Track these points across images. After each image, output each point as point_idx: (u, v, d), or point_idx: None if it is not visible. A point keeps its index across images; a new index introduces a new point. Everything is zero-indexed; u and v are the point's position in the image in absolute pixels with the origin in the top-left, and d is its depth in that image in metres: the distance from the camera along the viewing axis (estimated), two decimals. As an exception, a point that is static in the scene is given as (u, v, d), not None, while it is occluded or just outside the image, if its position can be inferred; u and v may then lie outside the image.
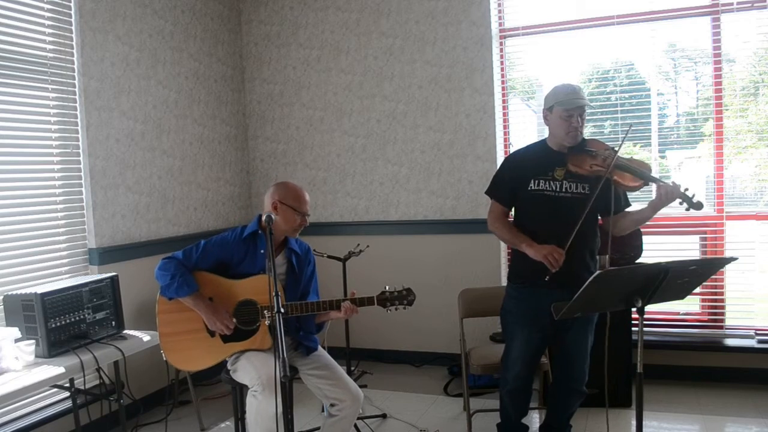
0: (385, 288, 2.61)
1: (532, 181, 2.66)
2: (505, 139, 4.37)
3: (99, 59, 3.56)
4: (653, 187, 2.61)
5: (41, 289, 2.68)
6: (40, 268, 3.25)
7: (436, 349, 4.47)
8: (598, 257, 2.81)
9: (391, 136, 4.53)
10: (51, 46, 3.33)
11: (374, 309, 2.61)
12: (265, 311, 2.56)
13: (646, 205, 2.59)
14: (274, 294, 2.09)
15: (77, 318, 2.78)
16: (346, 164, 4.68)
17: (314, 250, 3.76)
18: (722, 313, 3.91)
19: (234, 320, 2.59)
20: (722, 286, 3.90)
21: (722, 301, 3.92)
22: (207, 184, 4.48)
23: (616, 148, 2.60)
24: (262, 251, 2.64)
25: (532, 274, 2.64)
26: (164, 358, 2.63)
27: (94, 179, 3.51)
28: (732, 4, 3.74)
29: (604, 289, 2.06)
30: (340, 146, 4.69)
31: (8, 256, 3.09)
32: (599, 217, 2.75)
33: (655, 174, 3.94)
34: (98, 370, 3.06)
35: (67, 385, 2.99)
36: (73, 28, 3.43)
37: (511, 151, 4.24)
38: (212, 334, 2.62)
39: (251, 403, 2.44)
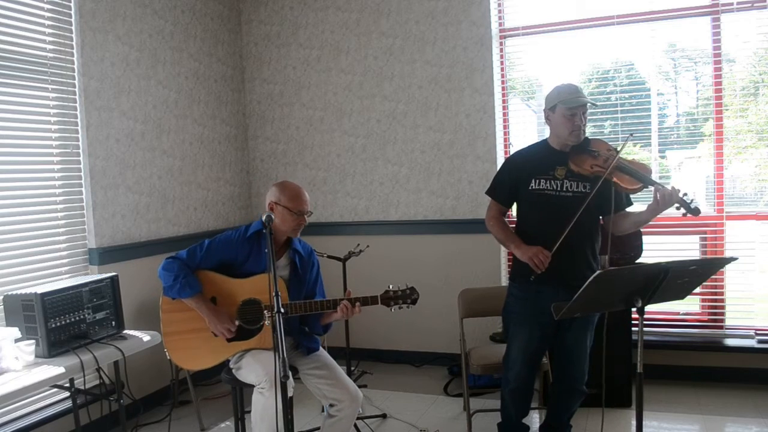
0: (389, 287, 2.60)
1: (533, 181, 2.66)
2: (505, 139, 4.37)
3: (99, 59, 3.56)
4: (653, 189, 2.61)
5: (41, 289, 2.67)
6: (40, 268, 3.25)
7: (436, 349, 4.47)
8: (599, 257, 2.81)
9: (391, 136, 4.53)
10: (51, 46, 3.33)
11: (375, 309, 2.61)
12: (266, 312, 2.56)
13: (645, 208, 2.59)
14: (274, 294, 2.08)
15: (77, 318, 2.78)
16: (346, 164, 4.68)
17: (314, 250, 3.77)
18: (722, 313, 3.91)
19: (237, 323, 2.59)
20: (722, 286, 3.90)
21: (722, 301, 3.91)
22: (207, 184, 4.48)
23: (618, 149, 2.60)
24: (266, 250, 2.64)
25: (532, 273, 2.64)
26: (168, 357, 2.64)
27: (94, 179, 3.51)
28: (732, 4, 3.74)
29: (604, 289, 2.06)
30: (340, 146, 4.69)
31: (8, 256, 3.09)
32: (600, 217, 2.75)
33: (655, 174, 3.97)
34: (98, 370, 3.06)
35: (67, 385, 2.99)
36: (73, 28, 3.43)
37: (511, 151, 4.27)
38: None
39: (258, 400, 2.44)
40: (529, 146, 2.88)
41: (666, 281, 2.01)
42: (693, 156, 4.09)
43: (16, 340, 2.54)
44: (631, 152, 4.10)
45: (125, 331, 3.03)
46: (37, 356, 2.61)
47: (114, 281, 3.02)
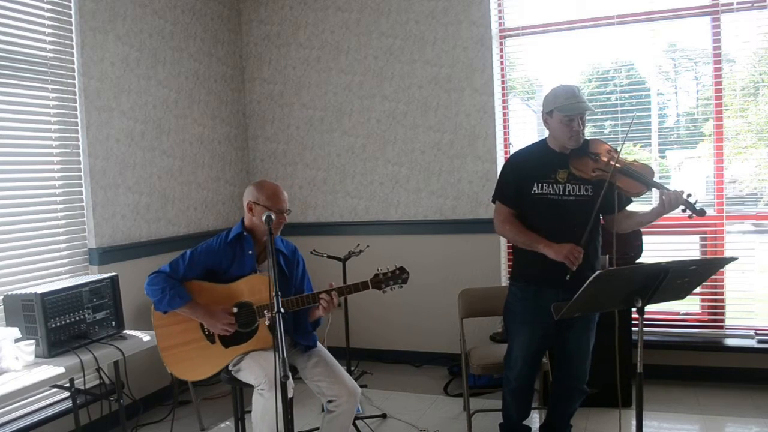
0: (378, 269, 2.58)
1: (535, 185, 2.64)
2: (505, 139, 4.37)
3: (99, 59, 3.56)
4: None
5: (41, 289, 2.67)
6: (40, 268, 3.25)
7: (436, 349, 4.47)
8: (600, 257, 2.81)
9: (391, 136, 4.53)
10: (51, 46, 3.33)
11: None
12: (265, 311, 2.56)
13: (649, 209, 2.59)
14: (274, 294, 2.08)
15: (77, 318, 2.78)
16: (346, 164, 4.68)
17: (314, 251, 3.78)
18: (722, 313, 3.91)
19: (235, 309, 2.57)
20: (722, 286, 3.90)
21: (722, 301, 3.92)
22: (207, 184, 4.48)
23: (618, 149, 2.60)
24: (250, 252, 2.63)
25: (535, 272, 2.64)
26: (169, 371, 2.62)
27: (94, 179, 3.51)
28: (732, 4, 3.74)
29: (604, 289, 2.06)
30: (340, 146, 4.69)
31: (8, 256, 3.09)
32: (601, 217, 2.75)
33: (656, 174, 3.96)
34: (98, 370, 3.06)
35: (67, 385, 2.99)
36: (73, 28, 3.43)
37: (511, 151, 4.27)
38: (212, 340, 2.61)
39: (258, 401, 2.44)
40: (528, 147, 2.85)
41: (666, 281, 2.02)
42: (693, 156, 4.09)
43: (16, 340, 2.55)
44: (631, 152, 4.10)
45: (125, 331, 3.03)
46: (37, 356, 2.61)
47: (114, 281, 3.02)
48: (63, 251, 3.39)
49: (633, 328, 3.51)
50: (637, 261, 3.66)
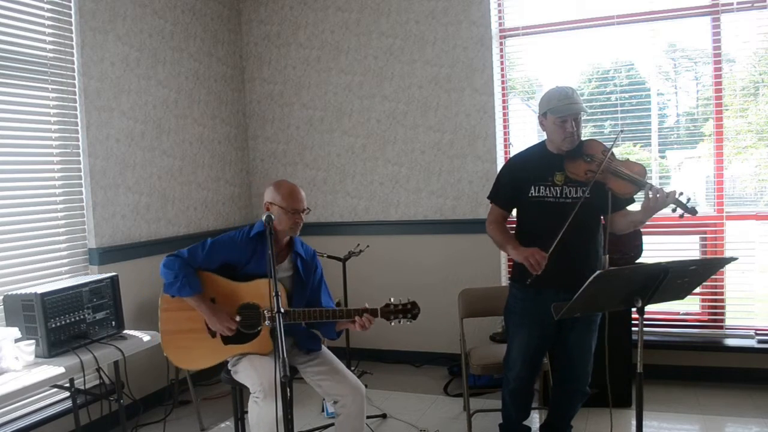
0: (390, 300, 2.58)
1: (533, 188, 2.65)
2: (505, 139, 4.37)
3: (99, 59, 3.56)
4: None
5: (41, 289, 2.68)
6: (40, 268, 3.25)
7: (436, 349, 4.47)
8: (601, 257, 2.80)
9: (391, 136, 4.53)
10: (51, 46, 3.33)
11: (377, 319, 2.59)
12: (266, 312, 2.55)
13: (639, 208, 2.59)
14: (274, 294, 2.08)
15: (77, 318, 2.78)
16: (346, 164, 4.68)
17: (317, 253, 3.77)
18: (722, 313, 3.91)
19: (238, 318, 2.58)
20: (722, 286, 3.90)
21: (722, 301, 3.91)
22: (207, 184, 4.48)
23: (612, 150, 2.60)
24: (269, 251, 2.63)
25: (541, 274, 2.63)
26: (164, 355, 2.64)
27: (94, 179, 3.51)
28: (732, 4, 3.74)
29: (604, 289, 2.06)
30: (340, 146, 4.69)
31: (8, 256, 3.09)
32: (601, 217, 2.74)
33: (655, 174, 3.97)
34: (98, 370, 3.06)
35: (67, 385, 2.99)
36: (73, 28, 3.43)
37: (511, 152, 4.28)
38: (213, 334, 2.62)
39: (253, 408, 2.44)
40: (527, 149, 2.85)
41: (666, 281, 2.01)
42: (693, 156, 4.09)
43: (16, 340, 2.55)
44: (631, 152, 4.10)
45: (125, 331, 3.03)
46: (37, 356, 2.61)
47: (114, 281, 3.02)
48: (63, 251, 3.39)
49: (633, 328, 3.51)
50: (637, 261, 3.66)
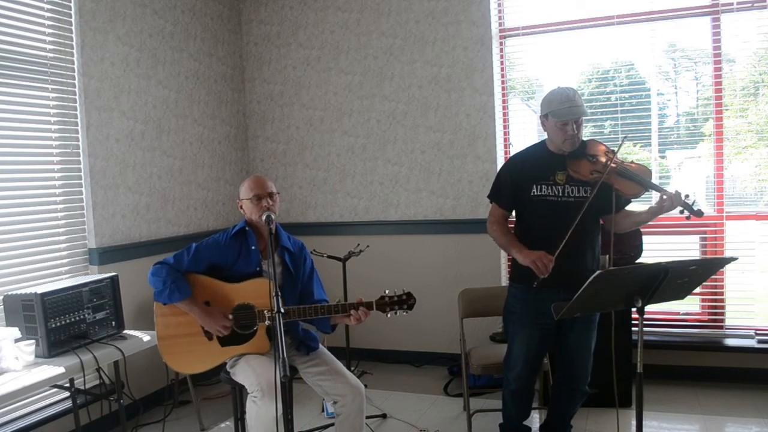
0: (385, 293, 2.58)
1: (535, 187, 2.65)
2: (505, 139, 4.37)
3: (99, 59, 3.56)
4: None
5: (41, 289, 2.68)
6: (40, 268, 3.25)
7: (436, 349, 4.47)
8: (599, 257, 2.80)
9: (391, 136, 4.53)
10: (51, 46, 3.33)
11: (373, 312, 2.59)
12: (266, 312, 2.55)
13: (646, 208, 2.59)
14: (274, 294, 2.08)
15: (77, 318, 2.78)
16: (346, 164, 4.68)
17: (314, 251, 3.77)
18: (722, 313, 3.91)
19: (231, 317, 2.58)
20: (722, 286, 3.90)
21: (722, 301, 3.91)
22: (207, 184, 4.48)
23: (615, 151, 2.60)
24: (253, 247, 2.63)
25: (532, 275, 2.64)
26: (164, 361, 2.64)
27: (94, 179, 3.51)
28: (732, 4, 3.74)
29: (604, 289, 2.06)
30: (340, 146, 4.69)
31: (8, 256, 3.09)
32: (600, 218, 2.75)
33: (655, 174, 3.97)
34: (98, 370, 3.06)
35: (67, 385, 2.99)
36: (73, 28, 3.43)
37: (511, 152, 4.28)
38: (210, 337, 2.62)
39: (251, 408, 2.43)
40: (527, 148, 2.85)
41: (666, 281, 2.01)
42: (693, 156, 4.09)
43: (16, 340, 2.55)
44: (631, 152, 4.10)
45: (125, 331, 3.03)
46: (37, 356, 2.61)
47: (114, 281, 3.02)
48: (63, 251, 3.39)
49: (633, 328, 3.51)
50: (637, 261, 3.66)
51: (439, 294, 4.29)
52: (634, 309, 2.12)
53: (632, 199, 2.67)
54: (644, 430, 2.22)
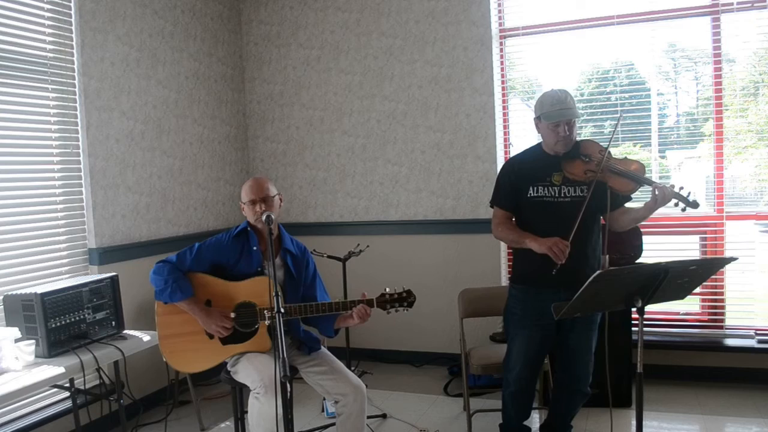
0: (385, 290, 2.59)
1: (531, 188, 2.67)
2: (505, 139, 4.37)
3: (99, 59, 3.56)
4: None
5: (41, 289, 2.68)
6: (40, 268, 3.25)
7: (436, 349, 4.47)
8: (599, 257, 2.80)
9: (391, 136, 4.53)
10: (51, 46, 3.33)
11: (374, 309, 2.60)
12: (266, 312, 2.55)
13: (642, 204, 2.60)
14: (274, 294, 2.08)
15: (77, 318, 2.78)
16: (346, 164, 4.68)
17: (314, 251, 3.78)
18: (722, 313, 3.91)
19: (232, 314, 2.58)
20: (722, 286, 3.90)
21: (722, 301, 3.91)
22: (207, 184, 4.48)
23: (608, 148, 2.61)
24: (255, 248, 2.64)
25: (535, 274, 2.65)
26: (164, 360, 2.64)
27: (94, 179, 3.51)
28: (732, 4, 3.74)
29: (604, 289, 2.06)
30: (340, 146, 4.69)
31: (8, 256, 3.09)
32: (600, 217, 2.75)
33: (654, 174, 3.97)
34: (98, 370, 3.06)
35: (67, 385, 2.99)
36: (73, 28, 3.43)
37: (511, 152, 4.28)
38: (211, 336, 2.62)
39: (253, 404, 2.43)
40: (524, 151, 2.87)
41: (666, 281, 2.01)
42: (693, 156, 4.09)
43: (16, 340, 2.55)
44: (631, 152, 4.10)
45: (125, 331, 3.03)
46: (37, 356, 2.61)
47: (114, 281, 3.02)
48: (63, 251, 3.39)
49: (633, 328, 3.51)
50: (637, 261, 3.66)
51: (439, 294, 4.29)
52: (634, 309, 2.12)
53: (627, 196, 2.67)
54: (644, 430, 2.22)
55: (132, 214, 3.78)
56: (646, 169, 2.69)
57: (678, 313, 4.02)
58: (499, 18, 4.30)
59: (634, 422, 2.24)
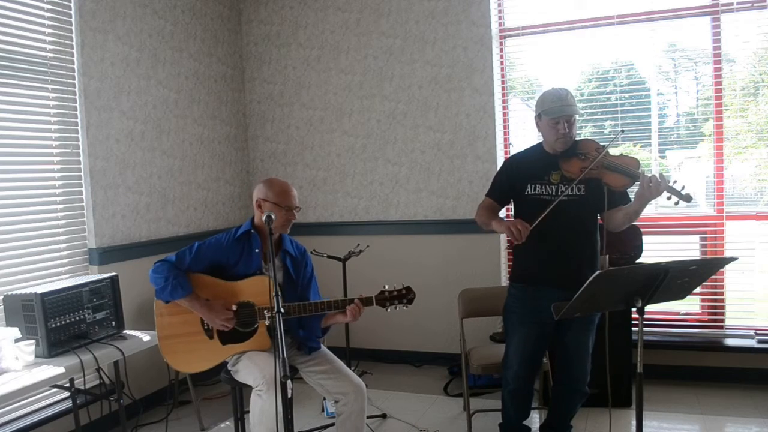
0: (384, 287, 2.59)
1: (529, 186, 2.69)
2: (505, 139, 4.38)
3: (99, 59, 3.56)
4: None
5: (41, 289, 2.67)
6: (40, 268, 3.25)
7: (436, 349, 4.47)
8: (599, 257, 2.80)
9: (391, 136, 4.53)
10: (51, 46, 3.33)
11: (374, 308, 2.60)
12: (265, 311, 2.55)
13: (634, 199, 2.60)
14: (274, 294, 2.08)
15: (77, 318, 2.78)
16: (346, 164, 4.68)
17: (314, 251, 3.78)
18: (722, 313, 3.91)
19: (234, 307, 2.57)
20: (722, 286, 3.90)
21: (722, 301, 3.91)
22: (207, 184, 4.48)
23: (605, 146, 2.62)
24: (257, 250, 2.63)
25: (534, 273, 2.66)
26: (165, 361, 2.64)
27: (94, 179, 3.51)
28: (732, 4, 3.74)
29: (604, 289, 2.06)
30: (340, 146, 4.69)
31: (8, 256, 3.09)
32: (598, 216, 2.75)
33: (654, 174, 3.96)
34: (98, 370, 3.06)
35: (67, 385, 2.99)
36: (73, 28, 3.43)
37: (511, 152, 4.28)
38: (210, 335, 2.62)
39: (256, 402, 2.43)
40: (525, 150, 2.89)
41: (666, 281, 2.01)
42: (693, 156, 4.09)
43: (16, 340, 2.55)
44: (631, 152, 4.10)
45: (125, 331, 3.03)
46: (37, 356, 2.61)
47: (114, 281, 3.02)
48: (63, 251, 3.39)
49: (633, 328, 3.51)
50: (637, 261, 3.66)
51: (439, 294, 4.29)
52: (634, 309, 2.12)
53: (624, 193, 2.67)
54: (644, 430, 2.22)
55: (132, 214, 3.78)
56: (646, 169, 2.70)
57: (678, 313, 4.02)
58: (499, 18, 4.30)
59: (634, 422, 2.24)
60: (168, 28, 4.12)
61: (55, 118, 3.37)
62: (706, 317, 3.95)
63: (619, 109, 4.09)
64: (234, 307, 2.58)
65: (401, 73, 4.46)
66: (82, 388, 2.95)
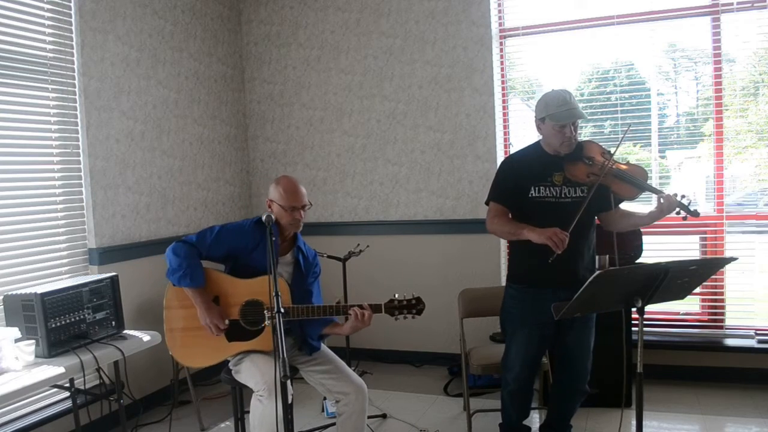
0: (394, 296, 2.55)
1: (533, 188, 2.65)
2: (505, 139, 4.38)
3: (99, 59, 3.56)
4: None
5: (41, 289, 2.67)
6: (40, 268, 3.25)
7: (436, 349, 4.47)
8: (597, 257, 2.80)
9: (391, 136, 4.53)
10: (51, 46, 3.33)
11: (381, 315, 2.57)
12: (266, 312, 2.55)
13: (646, 212, 2.62)
14: (274, 294, 2.08)
15: (77, 318, 2.78)
16: (346, 164, 4.68)
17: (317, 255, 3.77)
18: (722, 313, 3.91)
19: (227, 322, 2.58)
20: (722, 286, 3.90)
21: (722, 301, 3.91)
22: (207, 184, 4.48)
23: (612, 151, 2.61)
24: (274, 239, 2.62)
25: (533, 273, 2.65)
26: (169, 353, 2.65)
27: (94, 179, 3.51)
28: (732, 4, 3.74)
29: (604, 289, 2.06)
30: (340, 146, 4.69)
31: (8, 256, 3.09)
32: (595, 217, 2.76)
33: (655, 174, 3.97)
34: (98, 370, 3.06)
35: (67, 385, 2.99)
36: (73, 28, 3.43)
37: (511, 151, 4.27)
38: None
39: (256, 407, 2.43)
40: (523, 150, 2.85)
41: (666, 281, 2.02)
42: (693, 156, 4.09)
43: (16, 340, 2.54)
44: (631, 152, 4.10)
45: (125, 331, 3.02)
46: (37, 356, 2.61)
47: (114, 281, 3.02)
48: (63, 251, 3.39)
49: (633, 328, 3.51)
50: (637, 261, 3.66)
51: (439, 294, 4.28)
52: (634, 309, 2.12)
53: (630, 201, 2.68)
54: (644, 430, 2.22)
55: (132, 214, 3.78)
56: (646, 169, 2.70)
57: (678, 313, 4.02)
58: (499, 18, 4.30)
59: (634, 422, 2.24)
60: (168, 28, 4.12)
61: (55, 118, 3.37)
62: (706, 317, 3.95)
63: (619, 109, 4.09)
64: (227, 322, 2.57)
65: (401, 73, 4.46)
66: (82, 388, 2.95)
